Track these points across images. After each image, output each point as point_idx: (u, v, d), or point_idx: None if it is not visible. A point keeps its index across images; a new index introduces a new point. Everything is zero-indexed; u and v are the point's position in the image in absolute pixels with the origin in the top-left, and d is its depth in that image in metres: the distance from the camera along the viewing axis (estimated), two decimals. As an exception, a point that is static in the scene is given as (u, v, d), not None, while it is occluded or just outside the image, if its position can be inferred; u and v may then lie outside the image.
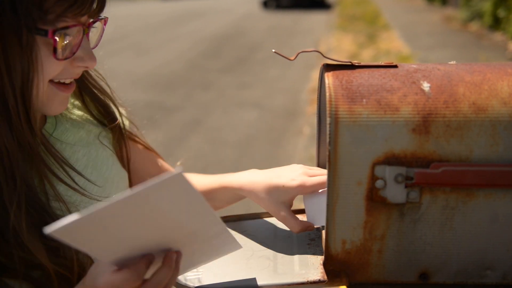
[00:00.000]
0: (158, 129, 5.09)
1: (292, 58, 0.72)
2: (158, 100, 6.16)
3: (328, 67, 0.73)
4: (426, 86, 0.69)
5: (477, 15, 10.09)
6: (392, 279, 0.74)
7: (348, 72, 0.71)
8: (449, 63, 0.75)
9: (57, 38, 0.65)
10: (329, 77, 0.70)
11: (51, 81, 0.71)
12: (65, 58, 0.69)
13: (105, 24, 0.75)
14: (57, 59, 0.68)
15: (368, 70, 0.71)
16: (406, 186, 0.68)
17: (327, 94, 0.68)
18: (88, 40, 0.72)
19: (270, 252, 0.83)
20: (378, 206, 0.69)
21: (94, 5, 0.69)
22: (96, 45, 0.76)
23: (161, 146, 4.66)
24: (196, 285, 0.76)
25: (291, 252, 0.83)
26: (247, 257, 0.82)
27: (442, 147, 0.67)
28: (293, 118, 5.47)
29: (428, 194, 0.69)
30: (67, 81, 0.73)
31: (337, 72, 0.71)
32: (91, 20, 0.71)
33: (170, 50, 9.74)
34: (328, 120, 0.67)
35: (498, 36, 8.73)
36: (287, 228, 0.88)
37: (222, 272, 0.78)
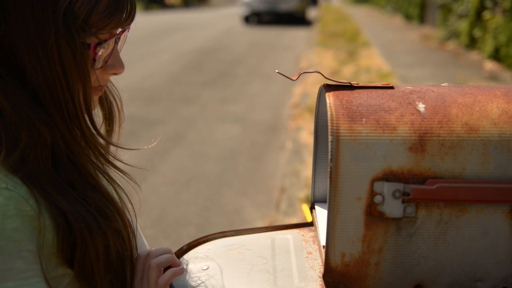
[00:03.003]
0: (140, 143, 5.07)
1: (294, 78, 0.76)
2: (140, 113, 6.14)
3: (328, 88, 0.76)
4: (421, 107, 0.73)
5: (454, 35, 10.36)
6: (388, 291, 0.77)
7: (348, 92, 0.75)
8: (442, 85, 0.79)
9: (97, 51, 0.72)
10: (330, 97, 0.73)
11: None
12: (100, 67, 0.75)
13: (128, 31, 0.80)
14: (94, 69, 0.74)
15: (366, 91, 0.75)
16: (403, 202, 0.72)
17: (329, 113, 0.71)
18: (117, 48, 0.78)
19: (269, 266, 0.85)
20: (376, 221, 0.73)
21: (129, 19, 0.75)
22: (121, 51, 0.82)
23: (143, 159, 4.65)
24: None
25: (289, 265, 0.85)
26: (247, 271, 0.84)
27: (437, 165, 0.71)
28: (275, 133, 5.51)
29: (423, 209, 0.72)
30: (96, 85, 0.77)
31: (337, 92, 0.75)
32: (121, 30, 0.76)
33: (151, 63, 9.74)
34: (329, 138, 0.70)
35: (474, 55, 8.97)
36: (284, 242, 0.91)
37: (224, 287, 0.80)
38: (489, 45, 8.15)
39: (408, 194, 0.71)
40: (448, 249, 0.74)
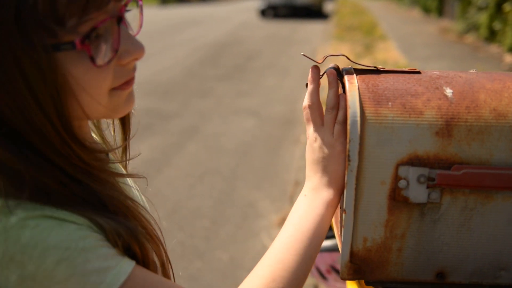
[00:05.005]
0: (155, 136, 5.10)
1: (320, 61, 0.75)
2: (155, 106, 6.17)
3: (354, 71, 0.76)
4: (449, 92, 0.72)
5: (473, 27, 10.22)
6: (410, 277, 0.76)
7: (374, 76, 0.74)
8: (470, 71, 0.78)
9: (87, 45, 0.55)
10: (356, 81, 0.73)
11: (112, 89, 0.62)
12: (110, 61, 0.58)
13: (141, 2, 0.63)
14: (100, 66, 0.57)
15: (392, 75, 0.74)
16: (427, 187, 0.71)
17: (355, 97, 0.71)
18: (127, 27, 0.60)
19: None
20: (399, 206, 0.72)
21: None
22: (139, 30, 0.64)
23: (159, 152, 4.67)
24: None
25: None
26: None
27: (464, 150, 0.70)
28: (290, 127, 5.50)
29: (448, 195, 0.71)
30: (119, 83, 0.62)
31: (363, 76, 0.74)
32: (121, 4, 0.58)
33: (168, 57, 9.77)
34: (349, 121, 0.69)
35: (493, 48, 8.84)
36: None
37: None
38: (509, 38, 8.03)
39: (433, 180, 0.70)
40: (472, 236, 0.73)
